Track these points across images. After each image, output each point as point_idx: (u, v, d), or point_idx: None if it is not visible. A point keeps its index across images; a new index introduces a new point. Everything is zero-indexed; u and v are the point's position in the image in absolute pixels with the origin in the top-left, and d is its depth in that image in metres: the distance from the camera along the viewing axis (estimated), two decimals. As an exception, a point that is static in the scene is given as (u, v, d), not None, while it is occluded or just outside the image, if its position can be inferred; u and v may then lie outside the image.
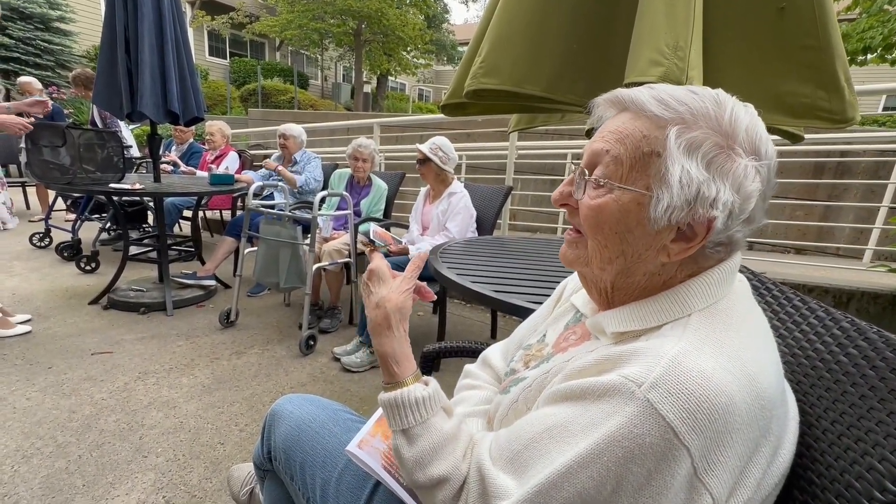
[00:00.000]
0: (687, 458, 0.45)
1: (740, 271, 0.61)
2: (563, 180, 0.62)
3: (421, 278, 2.50)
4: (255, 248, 2.57)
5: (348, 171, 3.03)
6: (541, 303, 1.06)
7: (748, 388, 0.47)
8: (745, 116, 0.52)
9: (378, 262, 0.67)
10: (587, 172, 0.57)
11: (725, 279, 0.54)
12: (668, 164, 0.51)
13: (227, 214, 4.56)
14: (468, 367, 0.87)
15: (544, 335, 0.72)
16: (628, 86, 0.86)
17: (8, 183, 4.01)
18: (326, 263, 2.50)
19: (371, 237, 2.42)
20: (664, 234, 0.53)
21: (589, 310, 0.66)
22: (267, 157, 6.14)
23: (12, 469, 1.44)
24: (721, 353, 0.48)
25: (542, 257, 1.70)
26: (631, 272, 0.55)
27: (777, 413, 0.49)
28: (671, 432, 0.45)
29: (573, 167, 0.60)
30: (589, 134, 0.97)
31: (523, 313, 1.03)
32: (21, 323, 2.41)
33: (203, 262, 3.25)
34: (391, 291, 0.65)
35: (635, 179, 0.53)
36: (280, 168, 3.22)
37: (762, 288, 0.71)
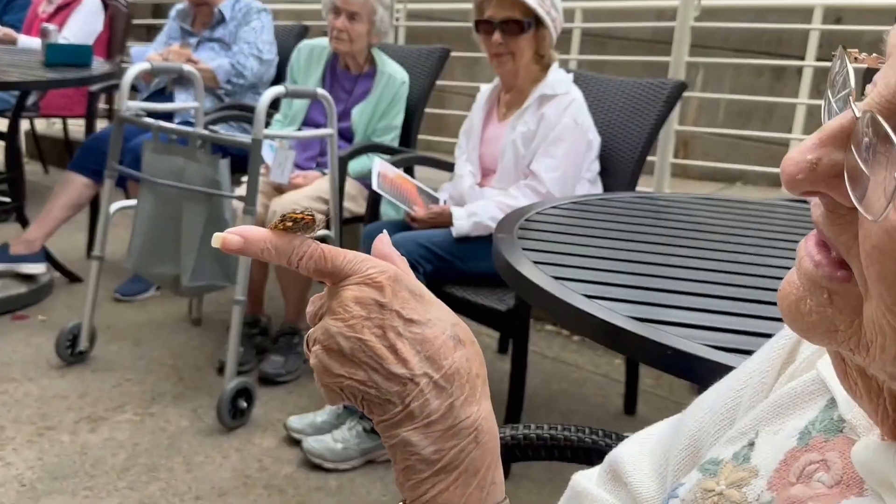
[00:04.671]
0: None
1: None
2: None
3: (465, 274, 2.55)
4: (133, 202, 2.65)
5: (326, 43, 3.06)
6: (747, 352, 1.01)
7: None
8: None
9: (385, 262, 0.66)
10: (892, 131, 0.50)
11: None
12: None
13: (77, 129, 4.72)
14: (580, 481, 0.87)
15: (752, 444, 0.69)
16: None
17: None
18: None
19: (376, 187, 2.42)
20: None
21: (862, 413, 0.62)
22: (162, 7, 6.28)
23: None
24: None
25: (757, 240, 1.64)
26: None
27: None
28: None
29: (840, 82, 0.53)
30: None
31: (705, 373, 1.00)
32: None
33: (25, 225, 3.37)
34: (450, 312, 0.64)
35: None
36: (195, 60, 3.27)
37: None
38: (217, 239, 0.59)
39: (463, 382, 0.63)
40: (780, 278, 0.60)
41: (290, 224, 0.60)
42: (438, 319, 0.63)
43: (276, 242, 0.61)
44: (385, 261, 0.65)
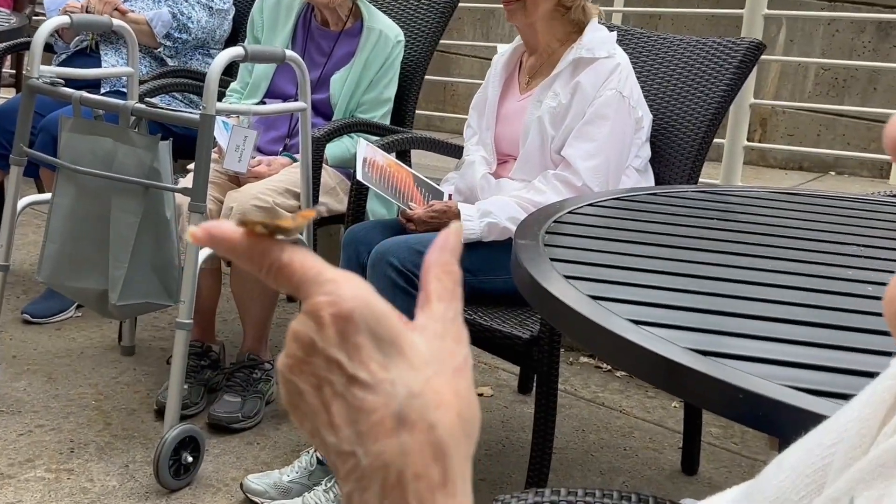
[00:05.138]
0: None
1: None
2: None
3: (476, 291, 2.54)
4: (47, 197, 2.64)
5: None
6: (842, 395, 1.01)
7: None
8: None
9: (355, 286, 0.63)
10: None
11: None
12: None
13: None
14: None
15: None
16: None
17: None
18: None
19: (361, 177, 2.41)
20: None
21: None
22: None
23: None
24: None
25: (856, 248, 1.65)
26: None
27: None
28: None
29: None
30: None
31: (787, 424, 1.01)
32: None
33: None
34: (436, 374, 0.62)
35: None
36: (123, 10, 3.27)
37: None
38: (187, 232, 0.58)
39: (388, 485, 0.56)
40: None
41: (261, 229, 0.58)
42: (392, 384, 0.57)
43: (239, 244, 0.60)
44: (431, 268, 0.63)
